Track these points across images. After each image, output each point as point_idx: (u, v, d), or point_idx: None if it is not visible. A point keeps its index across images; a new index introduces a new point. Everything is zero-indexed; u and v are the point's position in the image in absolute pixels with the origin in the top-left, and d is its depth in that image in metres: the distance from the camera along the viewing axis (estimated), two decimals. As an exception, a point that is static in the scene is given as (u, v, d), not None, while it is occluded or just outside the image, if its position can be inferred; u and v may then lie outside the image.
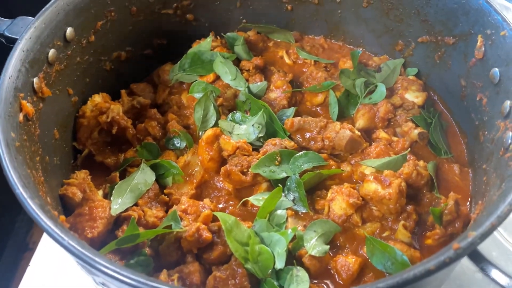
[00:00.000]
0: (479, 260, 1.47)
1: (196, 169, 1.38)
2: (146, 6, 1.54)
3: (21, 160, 1.05)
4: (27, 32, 1.22)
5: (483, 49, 1.26)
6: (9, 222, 1.88)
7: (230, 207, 1.31)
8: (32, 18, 1.28)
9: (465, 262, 1.45)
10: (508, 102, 1.15)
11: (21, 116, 1.14)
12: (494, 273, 1.43)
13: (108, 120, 1.39)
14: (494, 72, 1.22)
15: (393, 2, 1.48)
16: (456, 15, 1.33)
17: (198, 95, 1.48)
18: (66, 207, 1.27)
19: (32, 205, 0.91)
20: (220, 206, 1.31)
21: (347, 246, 1.20)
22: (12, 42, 1.27)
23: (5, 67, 1.15)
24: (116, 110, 1.42)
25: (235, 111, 1.45)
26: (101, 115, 1.41)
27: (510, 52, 1.17)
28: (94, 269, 0.84)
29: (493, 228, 0.86)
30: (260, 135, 1.37)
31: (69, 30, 1.34)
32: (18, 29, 1.31)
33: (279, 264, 1.11)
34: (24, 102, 1.16)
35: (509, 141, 1.10)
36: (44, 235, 1.54)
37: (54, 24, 1.29)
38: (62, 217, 1.03)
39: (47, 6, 1.29)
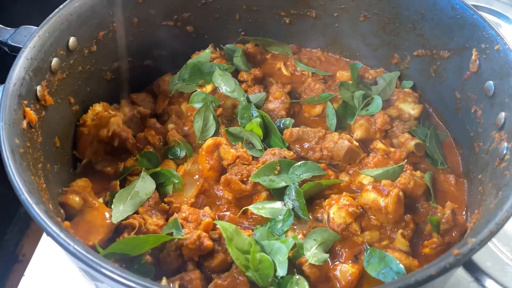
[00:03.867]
0: (474, 270, 1.49)
1: (195, 177, 1.40)
2: (147, 18, 1.56)
3: (25, 166, 1.06)
4: (31, 40, 1.24)
5: (477, 62, 1.30)
6: (-1, 234, 1.87)
7: (231, 215, 1.32)
8: (35, 27, 1.30)
9: (461, 272, 1.47)
10: (503, 114, 1.18)
11: (24, 123, 1.15)
12: (489, 283, 1.45)
13: (109, 134, 1.40)
14: (488, 85, 1.25)
15: (389, 16, 1.52)
16: (451, 29, 1.37)
17: (197, 105, 1.50)
18: (66, 215, 1.27)
19: (38, 211, 0.92)
20: (220, 214, 1.32)
21: (346, 254, 1.22)
22: (15, 50, 1.28)
23: (9, 75, 1.16)
24: (116, 122, 1.42)
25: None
26: (102, 128, 1.41)
27: (504, 65, 1.20)
28: (99, 274, 0.85)
29: (492, 234, 0.88)
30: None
31: (72, 40, 1.35)
32: (21, 38, 1.32)
33: (281, 272, 1.11)
34: (27, 109, 1.17)
35: (504, 151, 1.12)
36: (38, 247, 1.53)
37: (57, 33, 1.30)
38: (67, 222, 1.04)
39: (50, 15, 1.31)
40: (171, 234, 1.18)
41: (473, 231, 0.97)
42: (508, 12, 2.21)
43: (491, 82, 1.24)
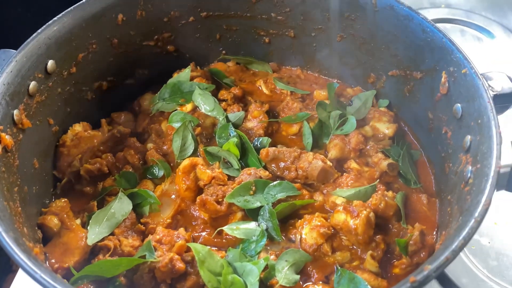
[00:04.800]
0: (450, 286, 1.51)
1: (173, 197, 1.42)
2: (127, 38, 1.58)
3: (-3, 193, 1.08)
4: (8, 65, 1.26)
5: (447, 85, 1.32)
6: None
7: (206, 235, 1.34)
8: (14, 50, 1.32)
9: (436, 288, 1.49)
10: (468, 137, 1.21)
11: (-1, 149, 1.17)
12: (464, 300, 1.47)
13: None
14: (456, 108, 1.28)
15: (365, 37, 1.55)
16: (422, 51, 1.40)
17: (176, 125, 1.52)
18: (45, 235, 1.29)
19: (6, 239, 0.94)
20: (196, 234, 1.34)
21: (317, 275, 1.23)
22: (-7, 74, 1.30)
23: (-15, 101, 1.18)
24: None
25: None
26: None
27: (470, 89, 1.22)
28: (65, 302, 0.87)
29: (448, 261, 0.90)
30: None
31: (50, 63, 1.37)
32: (0, 62, 1.34)
33: (252, 293, 1.14)
34: (3, 134, 1.19)
35: (469, 175, 1.15)
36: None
37: (35, 57, 1.32)
38: (36, 249, 1.06)
39: (29, 39, 1.33)
40: (144, 256, 1.20)
41: (432, 256, 0.99)
42: (490, 26, 2.23)
43: (459, 104, 1.27)
